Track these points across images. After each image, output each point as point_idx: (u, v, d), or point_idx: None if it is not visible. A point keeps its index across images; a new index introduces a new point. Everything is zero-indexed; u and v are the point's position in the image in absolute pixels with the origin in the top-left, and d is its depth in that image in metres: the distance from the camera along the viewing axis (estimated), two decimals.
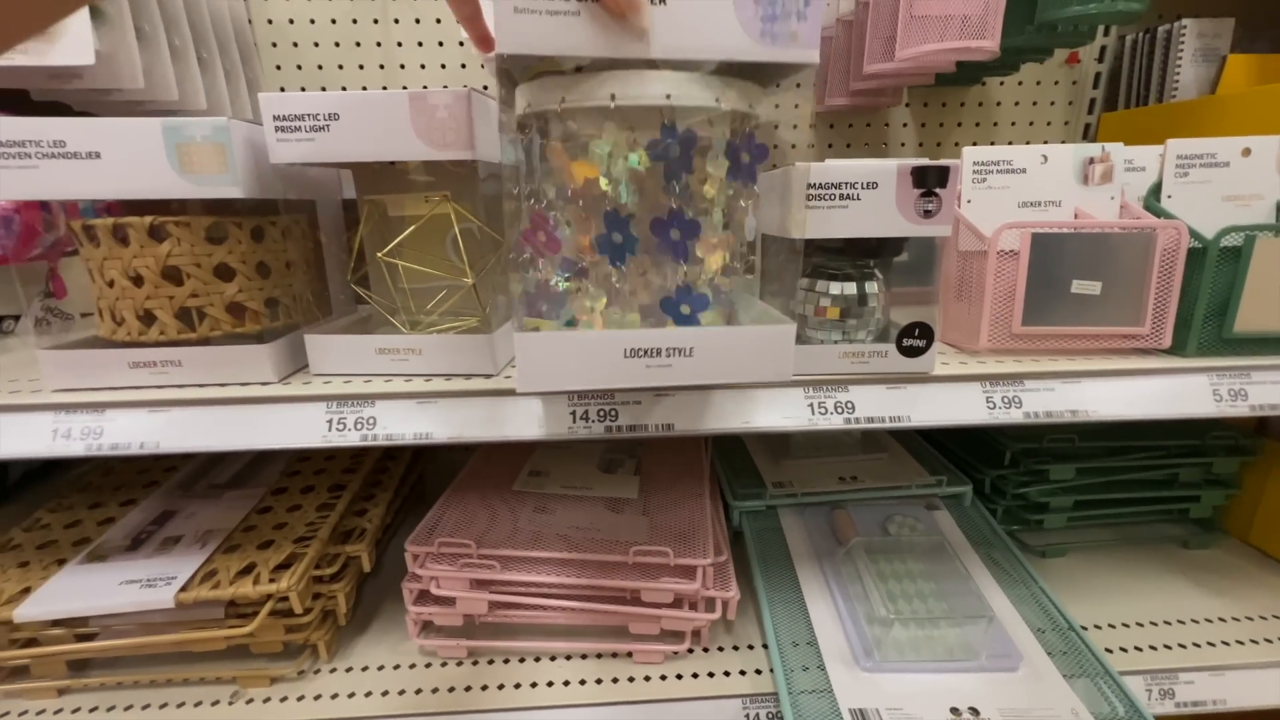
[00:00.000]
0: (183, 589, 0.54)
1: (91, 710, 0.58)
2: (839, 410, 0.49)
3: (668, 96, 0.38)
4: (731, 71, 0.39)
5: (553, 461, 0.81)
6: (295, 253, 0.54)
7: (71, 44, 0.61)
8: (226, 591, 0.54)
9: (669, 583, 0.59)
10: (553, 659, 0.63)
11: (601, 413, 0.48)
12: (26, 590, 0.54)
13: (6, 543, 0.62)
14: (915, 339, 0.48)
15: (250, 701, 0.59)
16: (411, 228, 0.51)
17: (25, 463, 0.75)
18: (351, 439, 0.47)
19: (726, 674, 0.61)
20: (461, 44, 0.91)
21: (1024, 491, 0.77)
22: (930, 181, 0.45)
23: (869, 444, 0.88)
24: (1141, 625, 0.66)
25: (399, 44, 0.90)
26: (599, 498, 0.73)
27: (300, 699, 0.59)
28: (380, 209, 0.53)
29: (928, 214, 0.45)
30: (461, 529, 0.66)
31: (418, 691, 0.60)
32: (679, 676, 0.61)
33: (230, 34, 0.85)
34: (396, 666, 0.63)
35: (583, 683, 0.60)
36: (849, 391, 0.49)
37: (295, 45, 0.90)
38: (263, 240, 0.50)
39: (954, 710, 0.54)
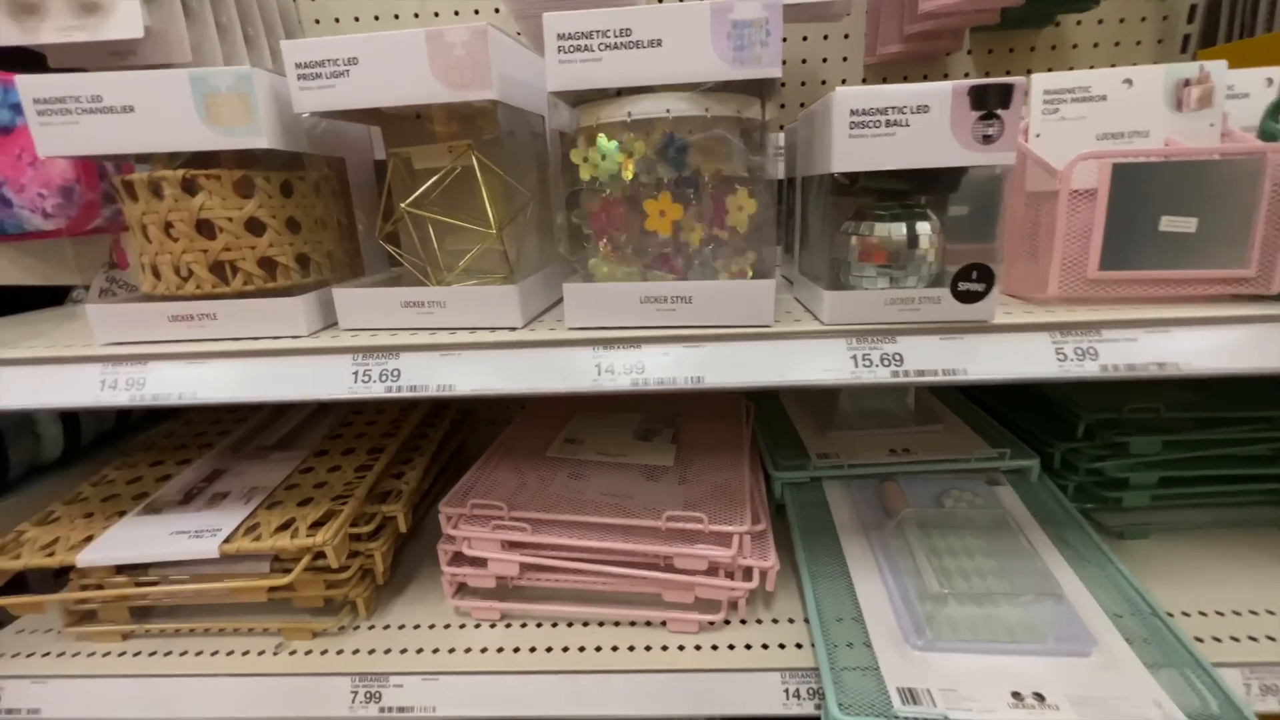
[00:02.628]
0: (226, 540, 0.55)
1: (151, 654, 0.61)
2: (885, 362, 0.45)
3: (667, 111, 0.45)
4: (729, 86, 0.45)
5: (588, 429, 0.79)
6: (325, 210, 0.54)
7: (122, 19, 0.64)
8: (266, 544, 0.55)
9: (704, 549, 0.57)
10: (585, 624, 0.62)
11: (625, 365, 0.46)
12: (89, 538, 0.57)
13: (75, 496, 0.66)
14: (973, 282, 0.43)
15: (294, 653, 0.60)
16: (434, 178, 0.50)
17: (96, 424, 0.80)
18: (376, 390, 0.46)
19: (765, 646, 0.58)
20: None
21: (1100, 466, 0.70)
22: (991, 102, 0.40)
23: (922, 415, 0.83)
24: (1239, 614, 0.59)
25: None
26: (634, 465, 0.71)
27: (339, 653, 0.60)
28: (406, 162, 0.53)
29: (987, 140, 0.40)
30: (495, 492, 0.66)
31: (451, 651, 0.60)
32: (714, 647, 0.58)
33: (275, 13, 0.86)
34: (432, 626, 0.63)
35: (614, 649, 0.59)
36: (897, 342, 0.45)
37: (337, 21, 0.91)
38: (291, 195, 0.51)
39: (1016, 695, 0.50)
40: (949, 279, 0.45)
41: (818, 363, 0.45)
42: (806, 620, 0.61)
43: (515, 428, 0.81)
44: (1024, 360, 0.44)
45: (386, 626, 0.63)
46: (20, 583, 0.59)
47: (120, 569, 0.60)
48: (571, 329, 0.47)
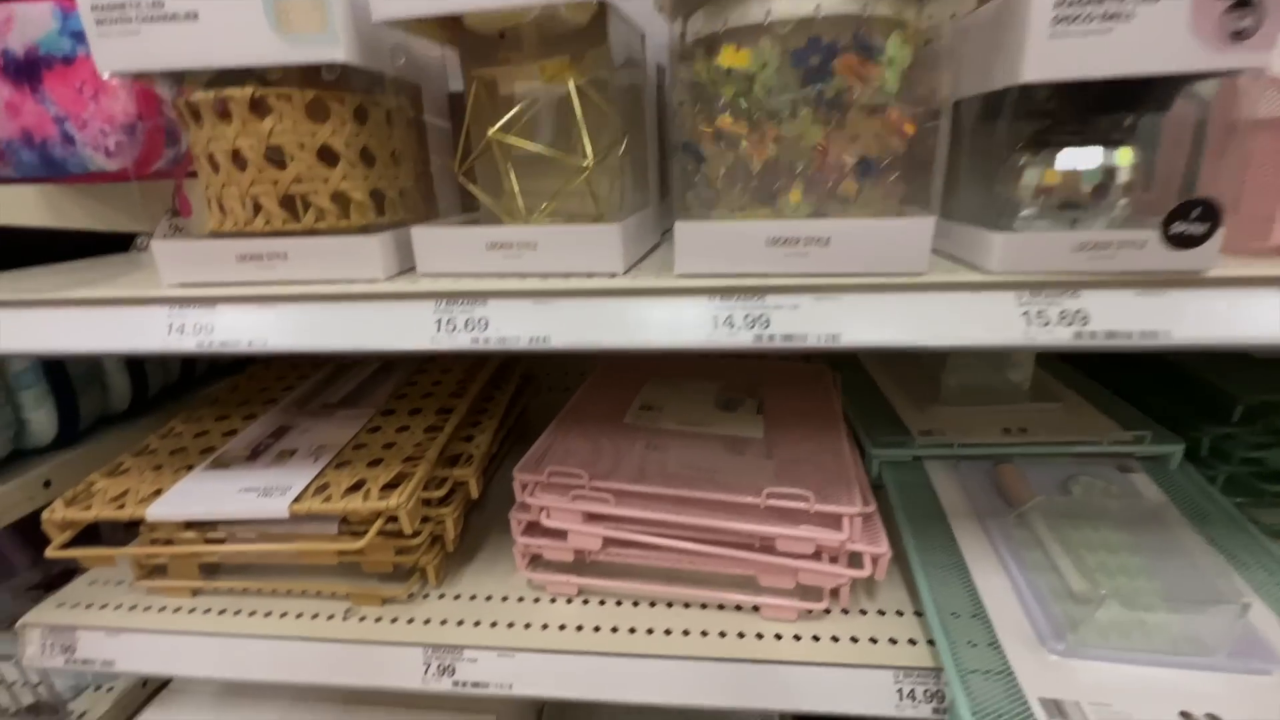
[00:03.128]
0: (296, 500, 0.52)
1: (221, 612, 0.59)
2: (1065, 321, 0.37)
3: (816, 8, 0.37)
4: None
5: (665, 397, 0.74)
6: (400, 143, 0.49)
7: None
8: (337, 505, 0.51)
9: (811, 531, 0.51)
10: (669, 605, 0.57)
11: (750, 318, 0.39)
12: (158, 492, 0.55)
13: (144, 449, 0.64)
14: (1192, 222, 0.34)
15: (363, 619, 0.57)
16: (522, 104, 0.44)
17: (163, 376, 0.78)
18: (461, 341, 0.41)
19: (873, 641, 0.52)
20: None
21: (1260, 456, 0.61)
22: None
23: (1040, 391, 0.74)
24: None
25: None
26: (717, 437, 0.65)
27: (410, 621, 0.57)
28: (489, 86, 0.46)
29: (1238, 36, 0.32)
30: (570, 460, 0.61)
31: (527, 626, 0.56)
32: (815, 639, 0.53)
33: None
34: (505, 598, 0.59)
35: (704, 634, 0.54)
36: (1080, 297, 0.37)
37: None
38: (366, 123, 0.45)
39: (1185, 715, 0.43)
40: (1141, 223, 0.37)
41: (980, 320, 0.38)
42: (918, 614, 0.55)
43: (585, 393, 0.76)
44: (1250, 323, 0.36)
45: (457, 596, 0.60)
46: (92, 533, 0.58)
47: (189, 524, 0.58)
48: (681, 276, 0.41)
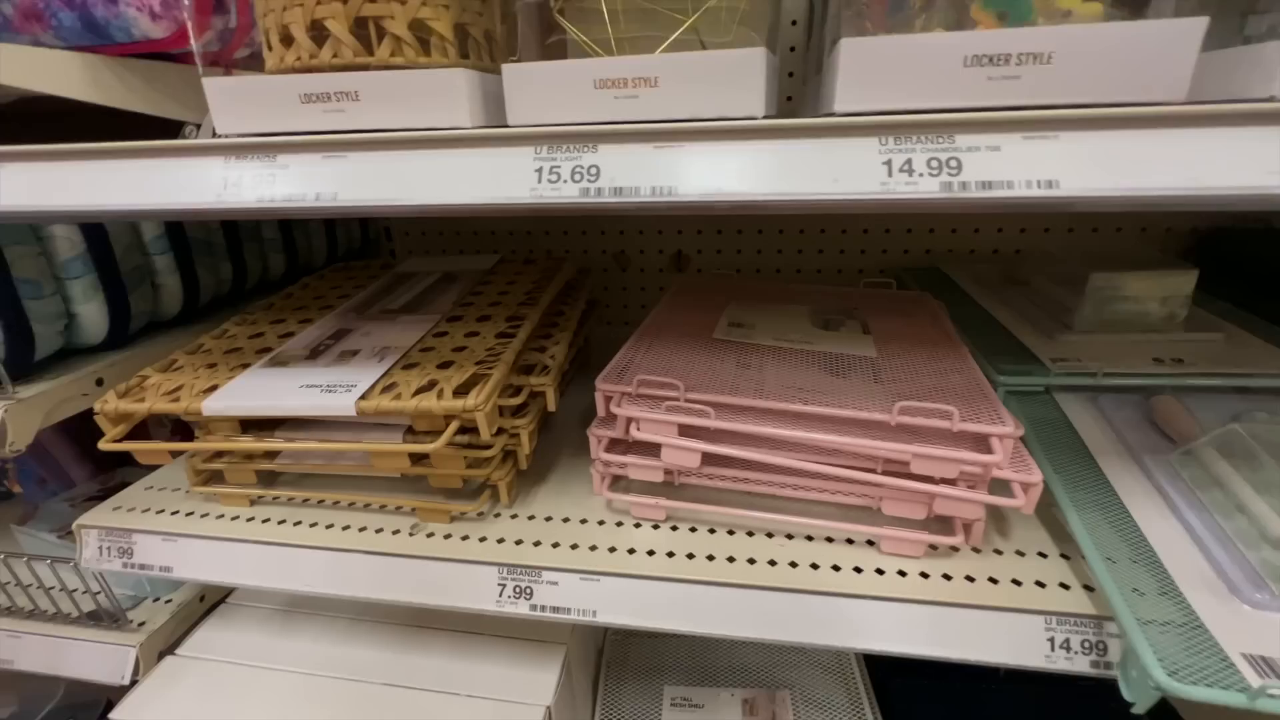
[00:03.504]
0: (363, 397, 0.47)
1: (280, 522, 0.55)
2: None
3: None
4: None
5: (755, 315, 0.66)
6: None
7: None
8: (409, 404, 0.46)
9: (956, 452, 0.43)
10: (769, 535, 0.51)
11: (935, 162, 0.31)
12: (213, 388, 0.50)
13: (196, 348, 0.59)
14: None
15: (430, 536, 0.53)
16: None
17: (214, 285, 0.74)
18: (568, 192, 0.34)
19: (1016, 583, 0.45)
20: None
21: None
22: None
23: (1196, 321, 0.64)
24: None
25: None
26: (818, 356, 0.57)
27: (482, 540, 0.52)
28: None
29: None
30: (658, 374, 0.54)
31: (611, 550, 0.50)
32: (947, 577, 0.46)
33: None
34: (584, 521, 0.54)
35: (815, 567, 0.47)
36: None
37: None
38: None
39: None
40: None
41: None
42: (1064, 557, 0.48)
43: (663, 311, 0.69)
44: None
45: (531, 517, 0.55)
46: (143, 436, 0.54)
47: (246, 429, 0.53)
48: (845, 114, 0.33)
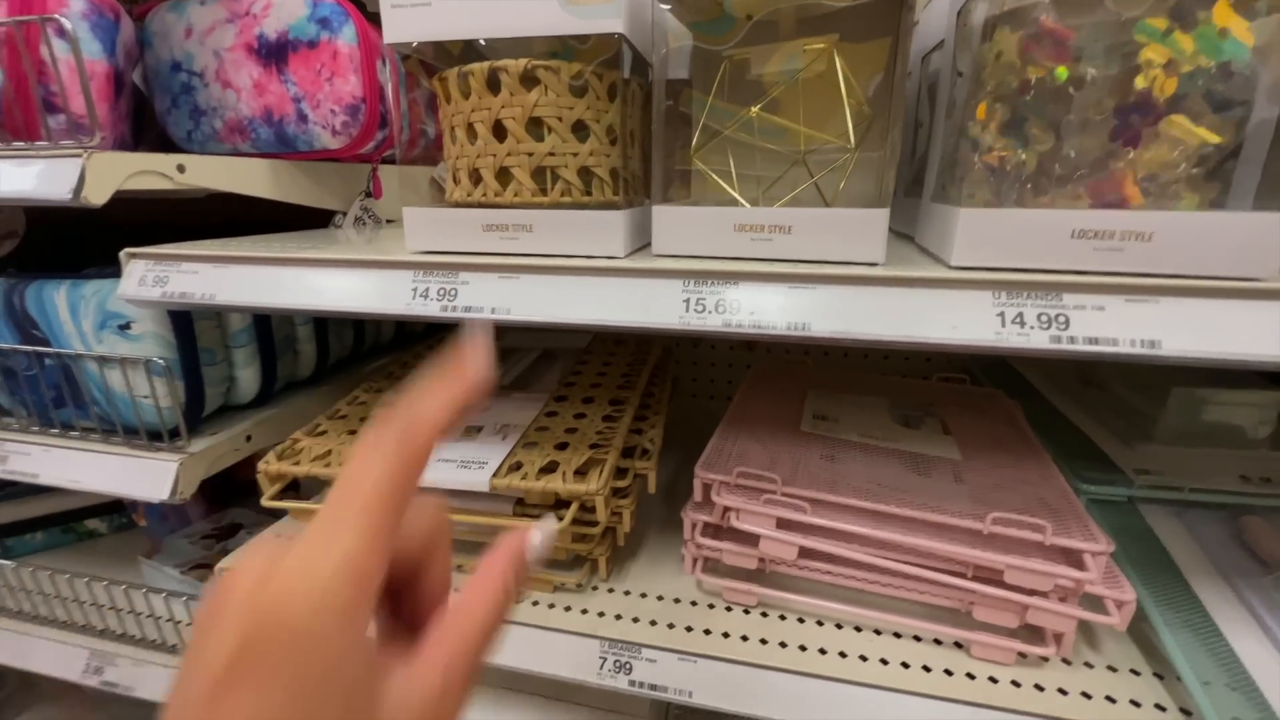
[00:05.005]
0: (495, 475, 0.52)
1: None
2: None
3: None
4: None
5: (837, 408, 0.70)
6: (635, 123, 0.49)
7: None
8: (537, 484, 0.51)
9: (1050, 566, 0.45)
10: (857, 630, 0.53)
11: (1045, 318, 0.35)
12: None
13: (335, 413, 0.66)
14: None
15: (536, 604, 0.57)
16: (774, 86, 0.42)
17: (339, 349, 0.82)
18: (713, 322, 0.39)
19: (1110, 700, 0.46)
20: None
21: None
22: None
23: None
24: None
25: None
26: (901, 454, 0.61)
27: (584, 611, 0.56)
28: (739, 66, 0.45)
29: None
30: (749, 464, 0.58)
31: (706, 632, 0.53)
32: (1039, 688, 0.47)
33: None
34: (676, 600, 0.57)
35: (905, 666, 0.49)
36: None
37: None
38: (615, 100, 0.45)
39: None
40: None
41: None
42: (1158, 676, 0.48)
43: (745, 398, 0.73)
44: None
45: (626, 592, 0.58)
46: (293, 487, 0.60)
47: None
48: (959, 268, 0.38)
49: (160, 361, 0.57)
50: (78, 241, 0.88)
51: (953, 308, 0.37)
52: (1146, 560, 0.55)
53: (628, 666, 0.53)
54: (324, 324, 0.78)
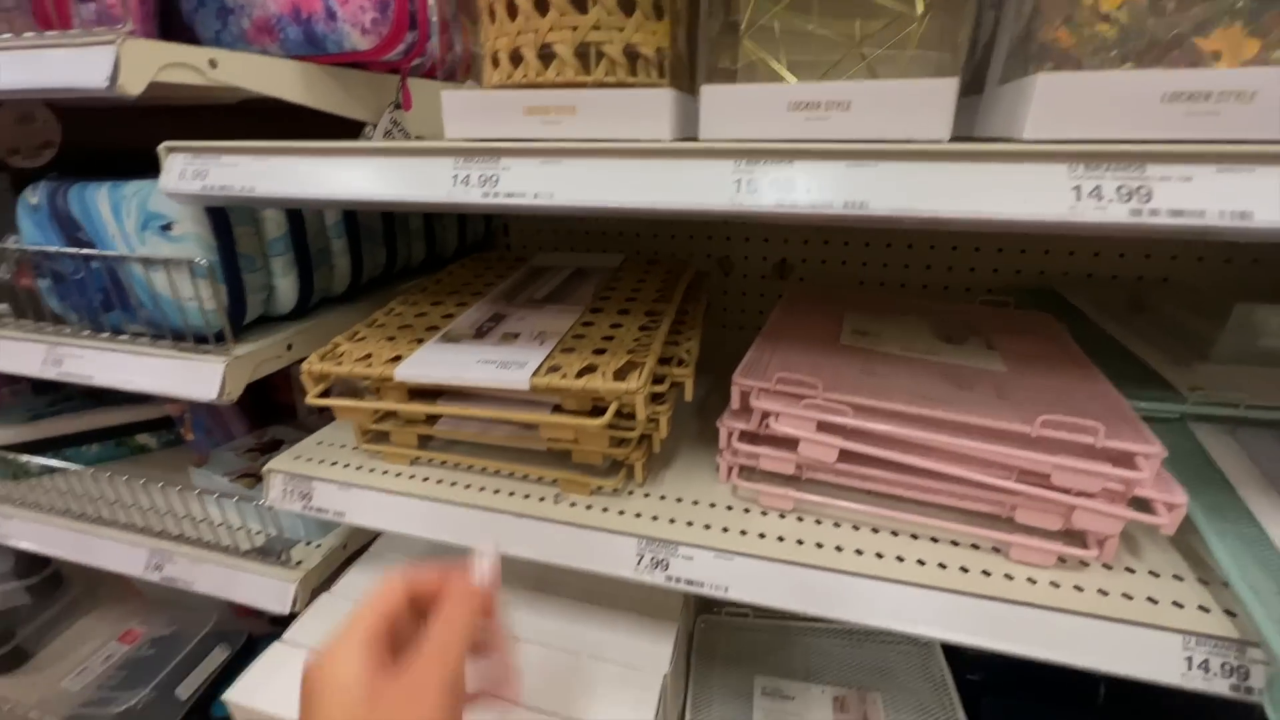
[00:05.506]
0: (534, 374, 0.52)
1: (437, 481, 0.62)
2: None
3: None
4: None
5: (877, 325, 0.68)
6: (682, 1, 0.46)
7: None
8: (576, 383, 0.51)
9: (1103, 467, 0.44)
10: (893, 534, 0.53)
11: (1125, 190, 0.33)
12: (398, 358, 0.57)
13: (372, 321, 0.67)
14: None
15: (574, 505, 0.58)
16: None
17: (372, 266, 0.82)
18: (765, 201, 0.38)
19: (1153, 601, 0.46)
20: None
21: None
22: None
23: None
24: None
25: None
26: (943, 367, 0.59)
27: (621, 513, 0.57)
28: None
29: None
30: (789, 372, 0.58)
31: (742, 532, 0.54)
32: (1078, 588, 0.47)
33: None
34: (713, 505, 0.58)
35: (942, 566, 0.49)
36: None
37: None
38: None
39: None
40: None
41: None
42: (1202, 582, 0.48)
43: (781, 316, 0.72)
44: None
45: (662, 497, 0.59)
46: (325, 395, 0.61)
47: (413, 396, 0.60)
48: (1031, 140, 0.35)
49: (203, 262, 0.57)
50: (109, 167, 0.88)
51: (1024, 181, 0.35)
52: (1196, 474, 0.54)
53: (665, 564, 0.54)
54: (358, 237, 0.77)
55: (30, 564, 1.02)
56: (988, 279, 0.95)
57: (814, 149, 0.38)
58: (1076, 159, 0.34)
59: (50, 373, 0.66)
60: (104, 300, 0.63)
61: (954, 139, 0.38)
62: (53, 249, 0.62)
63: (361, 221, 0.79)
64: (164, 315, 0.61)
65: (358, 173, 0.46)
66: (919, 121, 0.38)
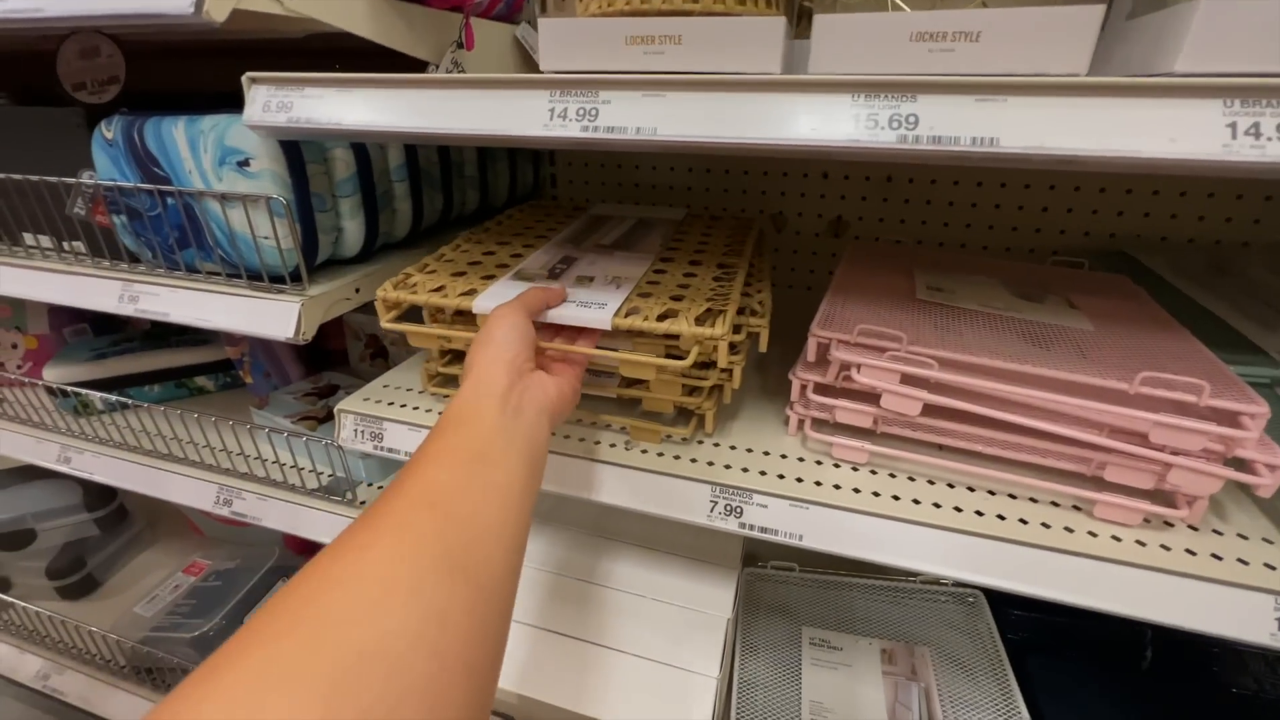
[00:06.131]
0: (615, 315, 0.52)
1: None
2: None
3: None
4: None
5: (950, 282, 0.67)
6: None
7: None
8: (659, 325, 0.51)
9: (1207, 425, 0.43)
10: (970, 489, 0.53)
11: None
12: (471, 291, 0.57)
13: (440, 257, 0.67)
14: None
15: (644, 452, 0.58)
16: None
17: (430, 213, 0.82)
18: (885, 138, 0.36)
19: (1243, 562, 0.45)
20: None
21: None
22: None
23: None
24: None
25: None
26: (1024, 324, 0.58)
27: (693, 460, 0.57)
28: None
29: None
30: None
31: (817, 483, 0.54)
32: (1165, 548, 0.47)
33: None
34: (783, 456, 0.58)
35: (1023, 521, 0.49)
36: None
37: None
38: None
39: None
40: None
41: None
42: None
43: (849, 272, 0.71)
44: None
45: (733, 447, 0.59)
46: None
47: None
48: (1186, 74, 0.33)
49: (281, 200, 0.57)
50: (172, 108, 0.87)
51: (1172, 118, 0.33)
52: None
53: (738, 510, 0.54)
54: (419, 182, 0.77)
55: (98, 497, 1.07)
56: (1053, 241, 0.92)
57: (940, 82, 0.36)
58: (1234, 93, 0.32)
59: (126, 309, 0.67)
60: (179, 237, 0.64)
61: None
62: (129, 184, 0.62)
63: (422, 166, 0.78)
64: (239, 253, 0.62)
65: (450, 106, 0.45)
66: (1056, 53, 0.36)
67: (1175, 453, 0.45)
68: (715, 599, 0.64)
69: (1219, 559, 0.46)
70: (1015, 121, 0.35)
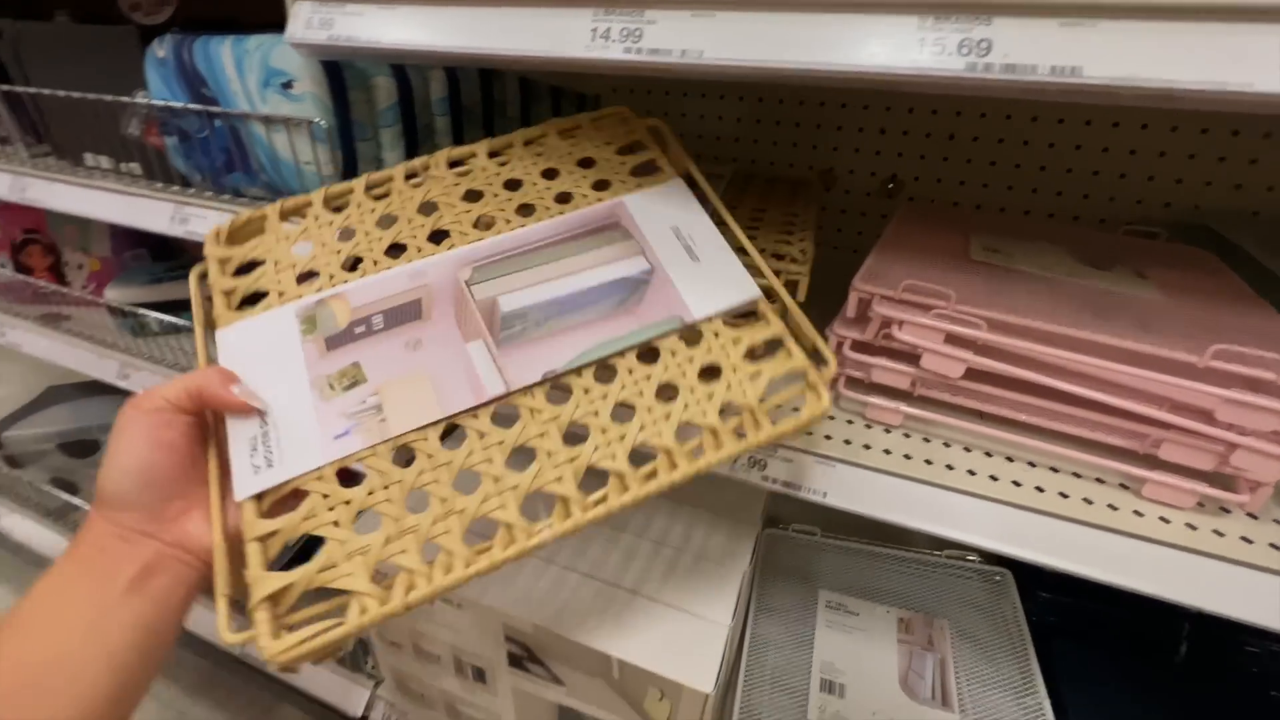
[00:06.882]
0: None
1: None
2: None
3: None
4: None
5: (1010, 245, 0.62)
6: None
7: None
8: None
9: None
10: (1009, 459, 0.51)
11: None
12: None
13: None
14: None
15: None
16: None
17: None
18: (954, 65, 0.33)
19: None
20: None
21: None
22: None
23: None
24: None
25: None
26: (1080, 291, 0.54)
27: None
28: None
29: None
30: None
31: (846, 442, 0.52)
32: (1218, 533, 0.44)
33: None
34: None
35: (1064, 495, 0.47)
36: None
37: None
38: None
39: None
40: None
41: None
42: None
43: (899, 229, 0.67)
44: None
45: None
46: None
47: None
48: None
49: (322, 124, 0.57)
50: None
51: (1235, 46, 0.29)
52: None
53: (762, 463, 0.53)
54: (460, 117, 0.76)
55: None
56: (1129, 211, 0.85)
57: (1019, 3, 0.32)
58: None
59: (177, 230, 0.69)
60: (226, 161, 0.65)
61: None
62: (177, 104, 0.63)
63: (464, 104, 0.77)
64: (282, 179, 0.62)
65: (488, 24, 0.43)
66: None
67: (1243, 433, 0.42)
68: (733, 552, 0.63)
69: (1277, 548, 0.42)
70: (1103, 47, 0.31)
